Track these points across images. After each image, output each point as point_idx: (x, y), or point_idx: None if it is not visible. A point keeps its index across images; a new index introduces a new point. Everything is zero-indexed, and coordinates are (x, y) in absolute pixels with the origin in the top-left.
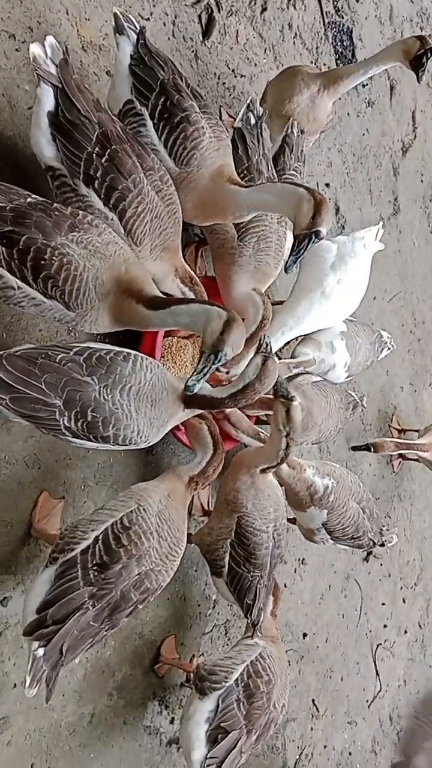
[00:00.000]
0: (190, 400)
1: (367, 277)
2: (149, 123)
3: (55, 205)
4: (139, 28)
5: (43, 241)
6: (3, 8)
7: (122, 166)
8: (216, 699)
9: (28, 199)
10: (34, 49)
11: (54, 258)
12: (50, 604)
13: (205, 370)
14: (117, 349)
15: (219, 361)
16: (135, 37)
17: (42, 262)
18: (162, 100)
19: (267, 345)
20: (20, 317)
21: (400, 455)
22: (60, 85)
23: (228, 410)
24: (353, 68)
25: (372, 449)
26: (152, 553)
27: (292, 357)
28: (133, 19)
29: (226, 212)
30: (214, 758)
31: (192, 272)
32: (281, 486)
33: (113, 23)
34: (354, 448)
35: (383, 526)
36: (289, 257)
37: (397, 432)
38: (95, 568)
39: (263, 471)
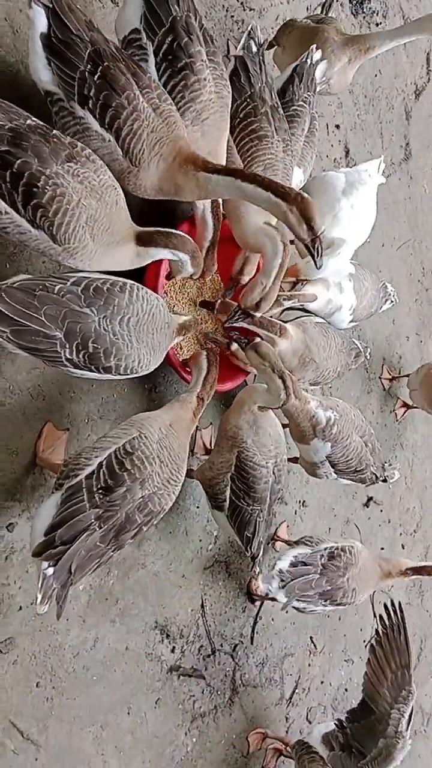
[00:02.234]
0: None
1: (375, 210)
2: (151, 59)
3: (54, 131)
4: None
5: (38, 168)
6: None
7: (115, 83)
8: (307, 550)
9: (28, 121)
10: None
11: (48, 187)
12: (57, 526)
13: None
14: (113, 278)
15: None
16: None
17: (34, 189)
18: (170, 39)
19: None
20: (23, 248)
21: (405, 404)
22: (51, 5)
23: (233, 348)
24: (384, 38)
25: None
26: (155, 477)
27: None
28: None
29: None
30: (290, 572)
31: (201, 156)
32: (285, 418)
33: None
34: None
35: (385, 461)
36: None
37: (388, 382)
38: (100, 491)
39: (261, 409)
